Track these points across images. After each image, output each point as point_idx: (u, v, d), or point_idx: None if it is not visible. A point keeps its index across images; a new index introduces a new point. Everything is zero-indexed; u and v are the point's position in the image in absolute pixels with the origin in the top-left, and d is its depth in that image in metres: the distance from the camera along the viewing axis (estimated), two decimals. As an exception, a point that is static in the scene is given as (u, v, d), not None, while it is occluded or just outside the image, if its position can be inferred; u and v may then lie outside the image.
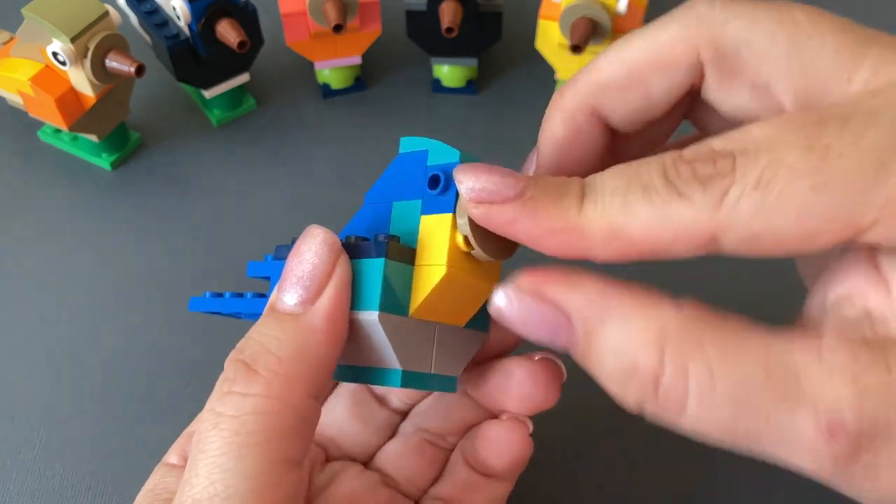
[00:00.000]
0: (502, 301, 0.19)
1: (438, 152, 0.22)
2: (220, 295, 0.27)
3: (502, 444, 0.26)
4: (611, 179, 0.18)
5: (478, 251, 0.21)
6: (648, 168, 0.18)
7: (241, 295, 0.26)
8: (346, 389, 0.28)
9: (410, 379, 0.23)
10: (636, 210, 0.18)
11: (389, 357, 0.22)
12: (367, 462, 0.28)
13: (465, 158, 0.22)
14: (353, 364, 0.23)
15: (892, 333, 0.17)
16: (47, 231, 0.41)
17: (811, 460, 0.17)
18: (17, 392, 0.35)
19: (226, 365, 0.21)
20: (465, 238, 0.21)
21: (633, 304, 0.18)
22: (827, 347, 0.17)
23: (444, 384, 0.24)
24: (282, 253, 0.24)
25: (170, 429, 0.34)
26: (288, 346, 0.20)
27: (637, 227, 0.18)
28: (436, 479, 0.28)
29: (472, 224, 0.21)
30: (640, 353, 0.17)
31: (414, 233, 0.22)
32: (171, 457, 0.26)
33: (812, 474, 0.17)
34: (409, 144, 0.23)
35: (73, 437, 0.34)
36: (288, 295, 0.21)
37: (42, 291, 0.39)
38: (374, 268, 0.21)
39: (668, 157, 0.18)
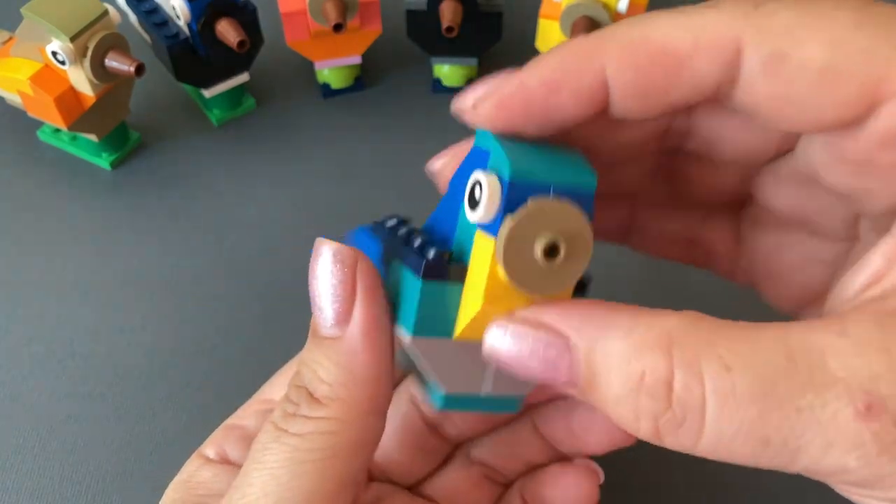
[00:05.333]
0: (494, 337, 0.18)
1: (496, 158, 0.19)
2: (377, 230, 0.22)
3: (570, 491, 0.25)
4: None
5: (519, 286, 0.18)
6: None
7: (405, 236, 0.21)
8: (397, 411, 0.27)
9: (456, 402, 0.21)
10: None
11: (431, 378, 0.21)
12: (410, 487, 0.27)
13: (560, 187, 0.18)
14: (412, 370, 0.22)
15: None
16: (47, 231, 0.41)
17: (853, 449, 0.15)
18: (17, 392, 0.35)
19: (288, 387, 0.21)
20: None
21: (633, 315, 0.17)
22: (851, 321, 0.15)
23: (504, 405, 0.22)
24: (380, 233, 0.22)
25: (170, 428, 0.34)
26: (335, 370, 0.20)
27: None
28: None
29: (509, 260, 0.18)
30: (647, 360, 0.16)
31: (470, 245, 0.19)
32: (209, 450, 0.25)
33: (857, 475, 0.15)
34: (482, 139, 0.20)
35: (73, 437, 0.34)
36: (321, 319, 0.20)
37: (42, 291, 0.39)
38: (414, 287, 0.19)
39: None
